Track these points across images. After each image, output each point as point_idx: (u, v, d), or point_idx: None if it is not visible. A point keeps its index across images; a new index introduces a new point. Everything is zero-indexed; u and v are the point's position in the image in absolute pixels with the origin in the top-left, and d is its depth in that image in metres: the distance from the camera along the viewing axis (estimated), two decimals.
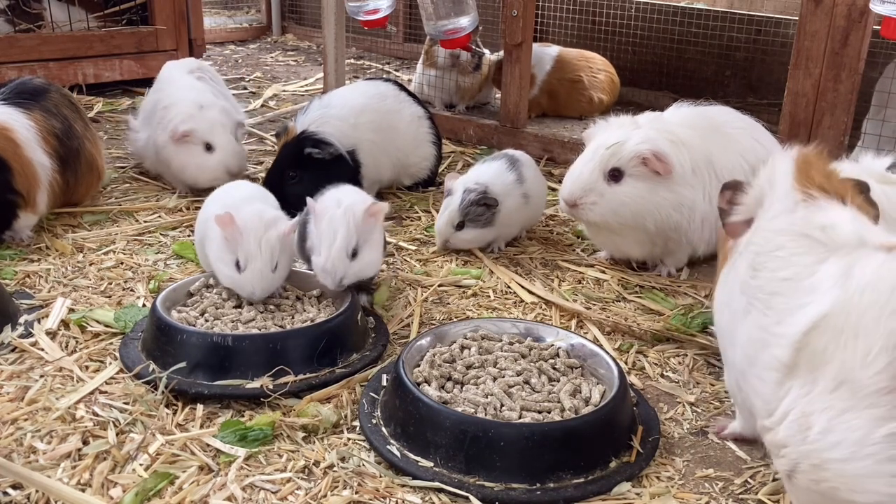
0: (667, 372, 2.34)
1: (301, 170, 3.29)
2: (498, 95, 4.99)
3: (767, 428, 1.65)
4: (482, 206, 2.99)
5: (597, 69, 5.01)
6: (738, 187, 1.97)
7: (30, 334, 2.34)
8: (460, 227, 3.03)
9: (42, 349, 2.27)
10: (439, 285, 2.83)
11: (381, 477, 1.82)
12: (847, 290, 1.57)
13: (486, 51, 5.15)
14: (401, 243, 3.19)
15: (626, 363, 2.38)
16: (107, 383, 2.13)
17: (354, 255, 2.36)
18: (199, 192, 3.43)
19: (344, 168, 3.39)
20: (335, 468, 1.84)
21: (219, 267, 2.43)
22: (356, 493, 1.76)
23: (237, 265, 2.35)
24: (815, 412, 1.53)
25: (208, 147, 3.42)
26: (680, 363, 2.39)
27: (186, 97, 3.54)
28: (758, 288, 1.76)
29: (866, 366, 1.47)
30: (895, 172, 2.32)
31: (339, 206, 2.38)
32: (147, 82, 5.03)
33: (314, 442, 1.94)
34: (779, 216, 1.82)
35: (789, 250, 1.75)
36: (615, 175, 2.74)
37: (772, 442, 1.63)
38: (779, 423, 1.61)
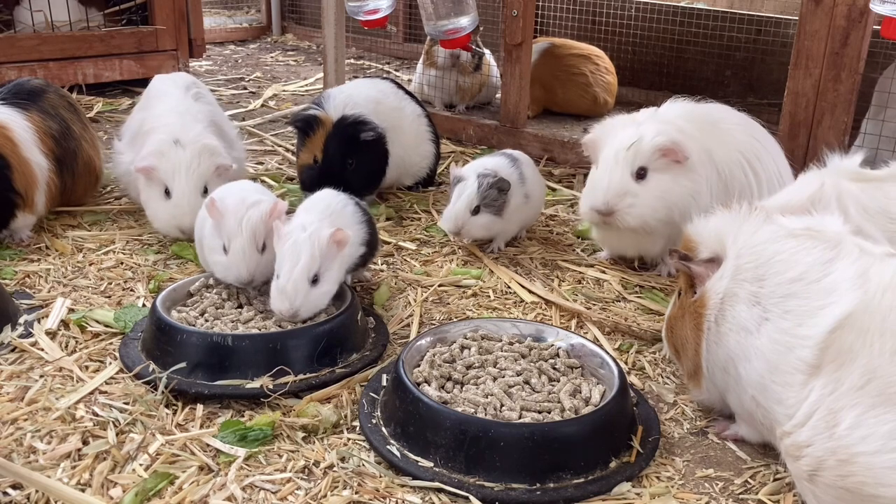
0: (667, 372, 2.34)
1: (355, 155, 3.29)
2: (499, 96, 4.99)
3: (787, 432, 1.67)
4: (497, 190, 2.98)
5: (604, 69, 5.00)
6: (686, 246, 2.04)
7: (30, 334, 2.34)
8: (476, 211, 2.99)
9: (42, 349, 2.27)
10: (439, 285, 2.83)
11: (381, 477, 1.82)
12: (868, 292, 1.65)
13: (486, 51, 5.15)
14: (401, 243, 3.19)
15: (626, 363, 2.37)
16: (107, 383, 2.13)
17: (315, 281, 2.27)
18: None
19: (383, 152, 3.45)
20: (335, 468, 1.84)
21: (211, 258, 2.44)
22: (356, 493, 1.76)
23: (224, 250, 2.37)
24: (843, 408, 1.57)
25: (167, 192, 2.95)
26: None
27: (169, 125, 3.07)
28: (769, 294, 1.80)
29: (895, 362, 1.54)
30: (871, 169, 2.35)
31: (304, 230, 2.29)
32: (147, 82, 5.04)
33: (314, 442, 1.94)
34: (757, 230, 1.91)
35: (788, 252, 1.81)
36: (641, 174, 2.74)
37: (792, 444, 1.66)
38: (801, 424, 1.64)
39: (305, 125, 3.38)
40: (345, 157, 3.30)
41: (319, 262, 2.27)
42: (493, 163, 3.12)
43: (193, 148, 2.96)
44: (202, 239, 2.53)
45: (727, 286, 1.89)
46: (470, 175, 3.01)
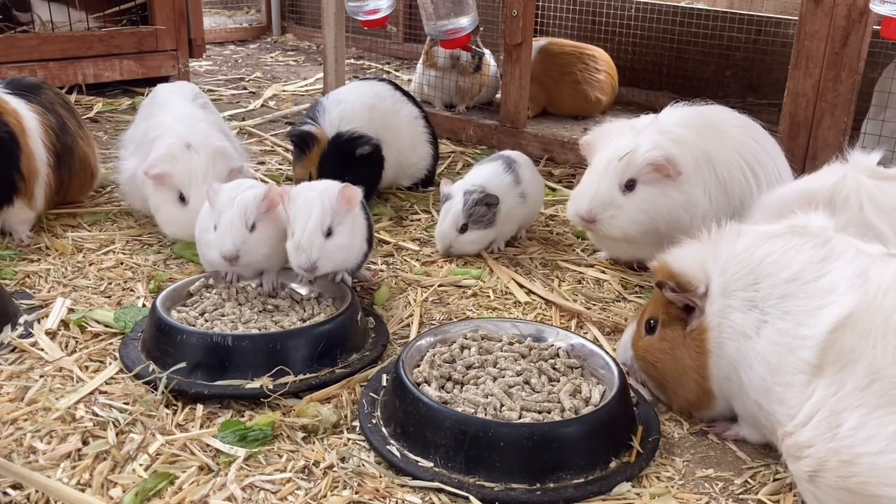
0: None
1: (350, 171, 3.29)
2: (499, 95, 4.99)
3: (788, 433, 1.66)
4: (484, 206, 2.99)
5: (593, 68, 5.00)
6: (670, 279, 2.01)
7: (30, 334, 2.34)
8: (464, 229, 3.01)
9: (42, 349, 2.27)
10: (439, 285, 2.83)
11: (381, 477, 1.81)
12: (868, 293, 1.64)
13: (486, 51, 5.15)
14: (401, 243, 3.19)
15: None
16: (107, 383, 2.13)
17: (329, 234, 2.36)
18: None
19: (378, 162, 3.44)
20: (335, 468, 1.84)
21: (204, 238, 2.45)
22: (356, 493, 1.76)
23: (215, 228, 2.39)
24: (846, 409, 1.57)
25: (182, 198, 2.87)
26: None
27: (176, 130, 2.98)
28: (765, 297, 1.80)
29: None
30: (886, 168, 2.36)
31: (313, 189, 2.39)
32: (147, 82, 5.06)
33: (314, 442, 1.94)
34: (735, 242, 1.92)
35: (777, 252, 1.82)
36: (630, 185, 2.75)
37: (794, 445, 1.65)
38: (803, 424, 1.63)
39: (301, 141, 3.39)
40: (340, 175, 3.29)
41: (332, 216, 2.35)
42: (484, 175, 3.12)
43: (207, 152, 2.89)
44: (201, 236, 2.53)
45: (720, 303, 1.89)
46: (456, 193, 3.03)
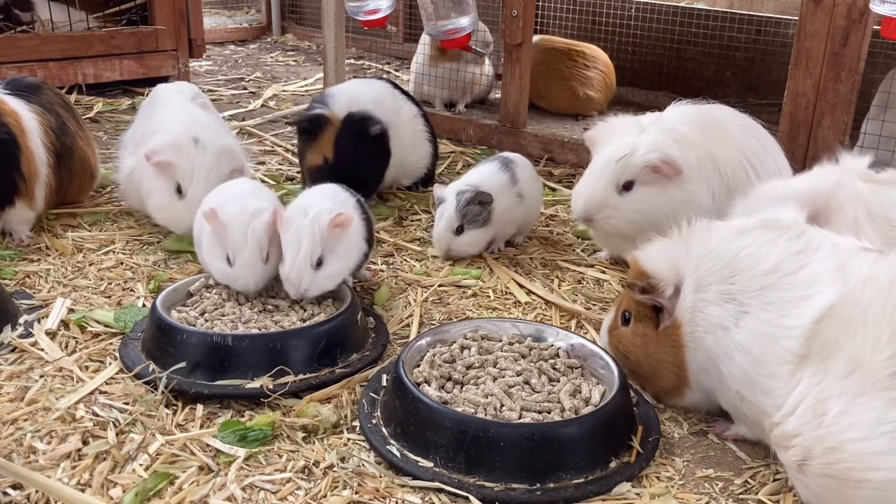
0: None
1: (364, 150, 3.30)
2: (497, 95, 4.99)
3: (775, 423, 1.69)
4: (478, 205, 2.97)
5: (583, 64, 5.00)
6: (640, 278, 2.03)
7: (30, 334, 2.34)
8: (459, 231, 2.99)
9: (42, 349, 2.27)
10: (439, 285, 2.83)
11: (381, 477, 1.82)
12: (848, 284, 1.68)
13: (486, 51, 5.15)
14: (401, 243, 3.19)
15: None
16: (107, 383, 2.13)
17: (319, 264, 2.34)
18: None
19: (386, 148, 3.47)
20: (335, 468, 1.84)
21: (211, 263, 2.44)
22: (356, 493, 1.76)
23: (228, 260, 2.37)
24: (830, 397, 1.59)
25: (179, 191, 2.87)
26: None
27: (182, 123, 2.97)
28: (743, 289, 1.82)
29: (878, 351, 1.57)
30: (877, 171, 2.36)
31: (305, 215, 2.35)
32: (147, 82, 5.06)
33: (314, 442, 1.94)
34: (708, 238, 1.94)
35: (753, 245, 1.85)
36: (627, 186, 2.76)
37: (781, 435, 1.67)
38: (789, 414, 1.66)
39: (312, 125, 3.37)
40: (356, 154, 3.30)
41: (322, 247, 2.33)
42: (478, 175, 3.10)
43: (213, 149, 2.88)
44: (200, 238, 2.53)
45: (693, 299, 1.91)
46: (449, 195, 3.01)
